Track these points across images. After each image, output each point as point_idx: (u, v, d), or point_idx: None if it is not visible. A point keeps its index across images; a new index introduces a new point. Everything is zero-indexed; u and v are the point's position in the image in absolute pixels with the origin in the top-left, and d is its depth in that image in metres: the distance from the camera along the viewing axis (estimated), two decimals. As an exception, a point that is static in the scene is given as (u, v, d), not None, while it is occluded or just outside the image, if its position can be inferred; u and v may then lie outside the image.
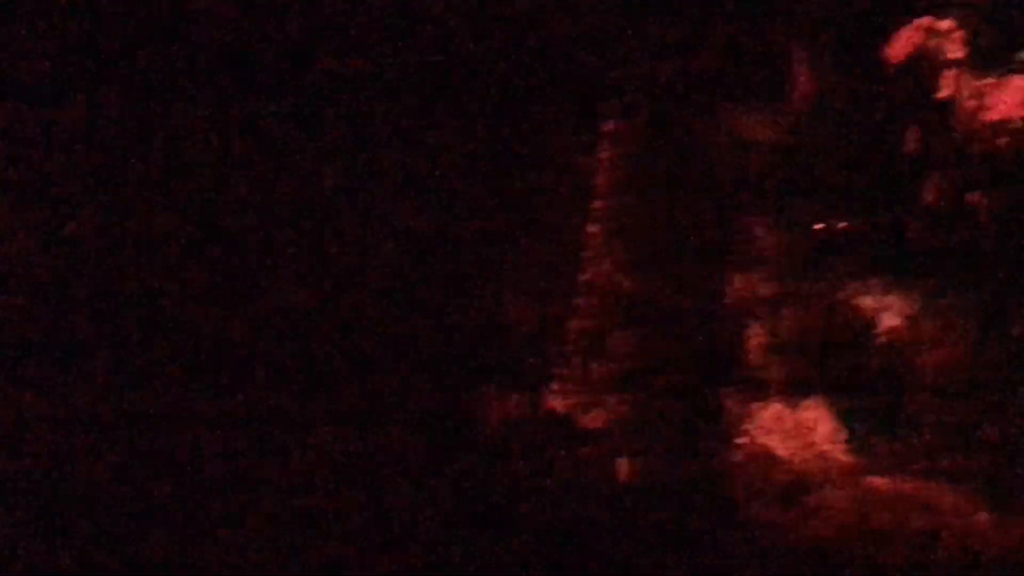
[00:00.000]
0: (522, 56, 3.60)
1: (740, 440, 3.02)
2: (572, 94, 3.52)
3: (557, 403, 3.47)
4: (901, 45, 2.64)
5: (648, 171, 3.27)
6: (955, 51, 2.63)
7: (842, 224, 3.01)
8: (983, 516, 2.67)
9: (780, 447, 2.95)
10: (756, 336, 3.24)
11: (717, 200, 3.06)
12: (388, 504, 3.50)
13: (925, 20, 2.65)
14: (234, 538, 3.37)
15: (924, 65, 2.62)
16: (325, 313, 3.87)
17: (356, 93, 3.71)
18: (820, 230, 3.08)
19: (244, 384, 3.78)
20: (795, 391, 3.16)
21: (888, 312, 2.96)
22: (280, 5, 3.63)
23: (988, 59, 2.67)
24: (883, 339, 2.95)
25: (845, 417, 3.10)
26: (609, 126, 3.38)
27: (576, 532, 2.90)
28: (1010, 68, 2.64)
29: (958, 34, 2.65)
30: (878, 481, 2.83)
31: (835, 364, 3.17)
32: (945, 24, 2.63)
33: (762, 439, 2.98)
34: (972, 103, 2.61)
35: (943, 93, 2.62)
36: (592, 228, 3.42)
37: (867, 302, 3.00)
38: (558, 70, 3.54)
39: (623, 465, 3.24)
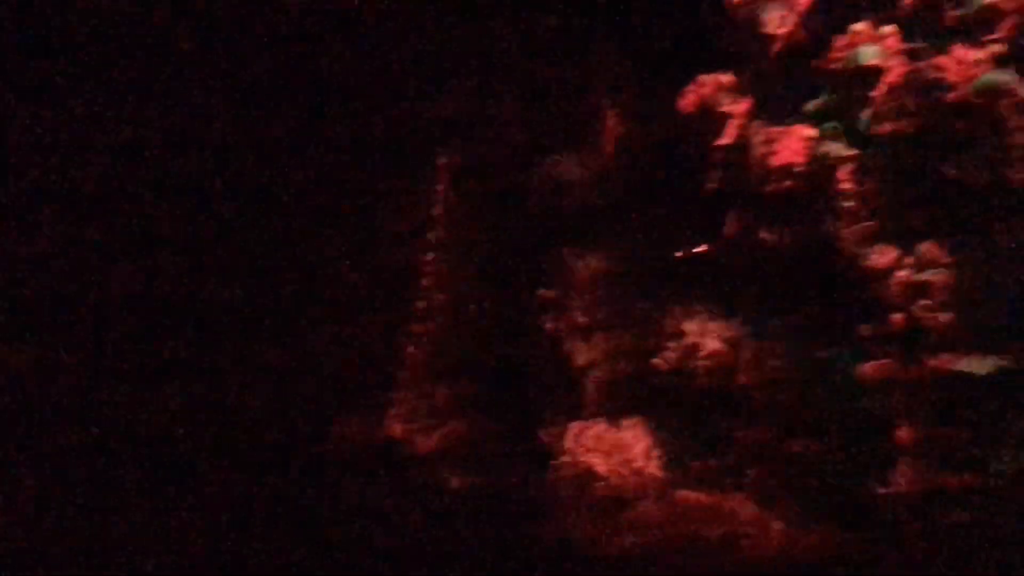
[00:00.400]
0: (364, 101, 3.73)
1: (563, 459, 3.21)
2: (411, 134, 3.68)
3: (397, 427, 3.60)
4: (690, 98, 2.91)
5: (478, 206, 3.44)
6: (740, 103, 2.90)
7: (699, 248, 3.22)
8: (776, 525, 2.91)
9: (600, 464, 3.14)
10: (582, 360, 3.45)
11: (539, 234, 3.26)
12: (234, 520, 3.57)
13: (711, 76, 2.93)
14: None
15: (711, 115, 2.89)
16: (174, 342, 3.91)
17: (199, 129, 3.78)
18: (680, 258, 3.28)
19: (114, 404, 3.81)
20: (617, 412, 3.37)
21: (710, 336, 3.17)
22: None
23: (777, 109, 2.94)
24: (705, 362, 3.17)
25: (663, 435, 3.32)
26: (443, 161, 3.56)
27: (406, 549, 3.01)
28: (796, 118, 2.91)
29: (742, 87, 2.92)
30: (686, 494, 3.05)
31: (660, 386, 3.39)
32: (727, 79, 2.91)
33: (583, 457, 3.16)
34: (762, 149, 2.86)
35: (725, 140, 2.89)
36: (427, 257, 3.58)
37: (692, 327, 3.21)
38: (398, 112, 3.70)
39: (453, 483, 3.39)
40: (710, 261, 3.21)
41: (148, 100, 3.63)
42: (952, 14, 2.84)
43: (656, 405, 3.38)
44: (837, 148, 2.79)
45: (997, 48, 2.68)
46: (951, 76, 2.66)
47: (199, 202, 3.71)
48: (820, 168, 2.78)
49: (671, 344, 3.26)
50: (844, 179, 2.82)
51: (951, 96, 2.67)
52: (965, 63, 2.65)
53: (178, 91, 3.60)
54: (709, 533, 2.96)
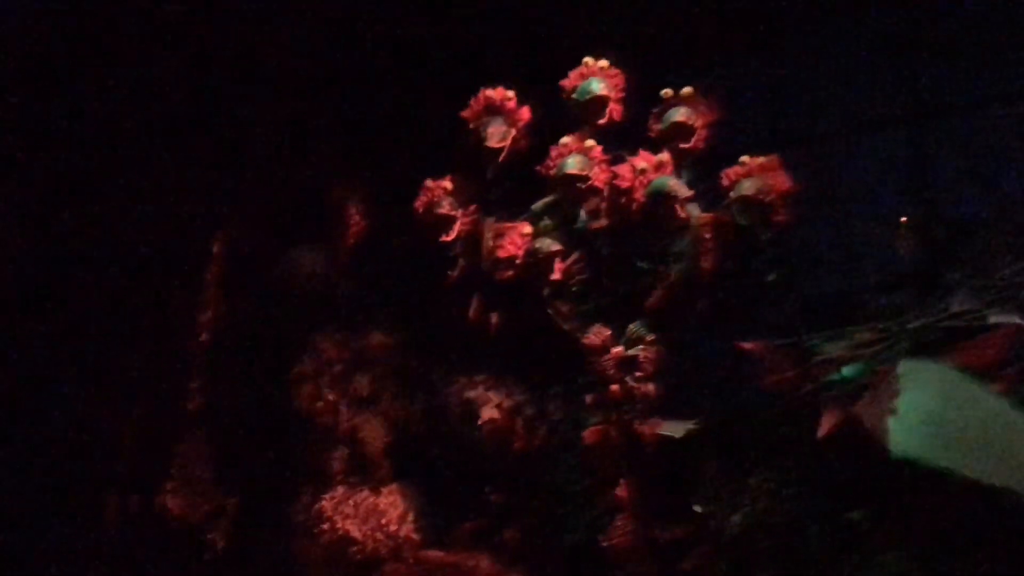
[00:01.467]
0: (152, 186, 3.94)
1: (323, 526, 3.46)
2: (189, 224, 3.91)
3: (171, 502, 3.77)
4: (422, 200, 3.28)
5: (240, 291, 3.71)
6: (468, 204, 3.30)
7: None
8: (510, 576, 3.26)
9: (356, 530, 3.41)
10: (347, 432, 3.72)
11: (297, 318, 3.55)
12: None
13: (437, 182, 3.29)
14: None
15: (439, 216, 3.26)
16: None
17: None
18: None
19: None
20: (380, 480, 3.65)
21: (488, 405, 3.49)
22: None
23: (508, 208, 3.34)
24: (481, 429, 3.47)
25: (422, 501, 3.62)
26: (217, 248, 3.81)
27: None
28: (526, 216, 3.32)
29: (473, 190, 3.32)
30: (433, 554, 3.35)
31: (436, 453, 3.69)
32: (452, 184, 3.29)
33: (341, 524, 3.42)
34: (491, 243, 3.24)
35: (450, 237, 3.27)
36: (203, 338, 3.80)
37: (472, 395, 3.53)
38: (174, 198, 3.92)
39: (219, 553, 3.59)
40: (488, 337, 3.56)
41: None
42: (655, 127, 3.35)
43: (424, 472, 3.69)
44: (548, 243, 3.18)
45: (665, 156, 3.14)
46: (627, 182, 3.11)
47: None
48: (537, 259, 3.19)
49: (451, 413, 3.58)
50: (560, 269, 3.26)
51: (631, 199, 3.12)
52: (642, 169, 3.10)
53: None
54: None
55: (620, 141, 3.36)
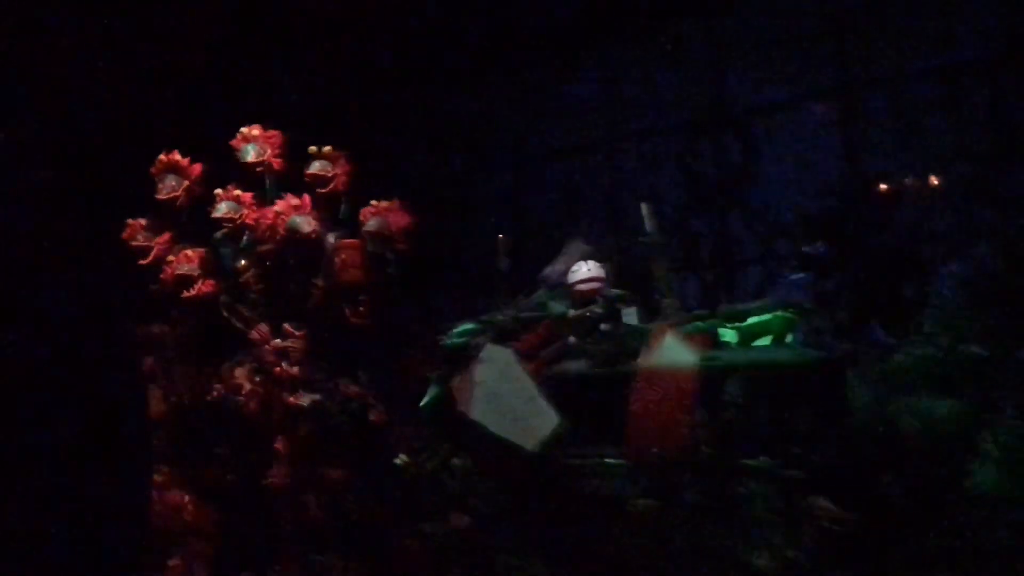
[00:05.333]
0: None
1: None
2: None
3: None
4: (128, 232, 4.31)
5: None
6: (161, 235, 4.32)
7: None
8: (214, 517, 4.34)
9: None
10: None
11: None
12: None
13: (136, 220, 4.35)
14: None
15: (139, 246, 4.28)
16: None
17: None
18: None
19: None
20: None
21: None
22: None
23: (195, 238, 4.38)
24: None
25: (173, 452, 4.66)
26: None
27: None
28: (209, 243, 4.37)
29: (165, 224, 4.37)
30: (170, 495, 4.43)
31: (205, 417, 4.72)
32: (143, 222, 4.32)
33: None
34: (174, 266, 4.27)
35: (147, 261, 4.28)
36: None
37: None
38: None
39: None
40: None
41: None
42: (308, 173, 4.35)
43: (190, 433, 4.71)
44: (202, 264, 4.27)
45: (301, 200, 4.23)
46: (270, 220, 4.21)
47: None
48: (194, 277, 4.24)
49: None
50: (210, 285, 4.27)
51: (275, 231, 4.22)
52: (278, 212, 4.21)
53: None
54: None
55: (286, 184, 4.45)
